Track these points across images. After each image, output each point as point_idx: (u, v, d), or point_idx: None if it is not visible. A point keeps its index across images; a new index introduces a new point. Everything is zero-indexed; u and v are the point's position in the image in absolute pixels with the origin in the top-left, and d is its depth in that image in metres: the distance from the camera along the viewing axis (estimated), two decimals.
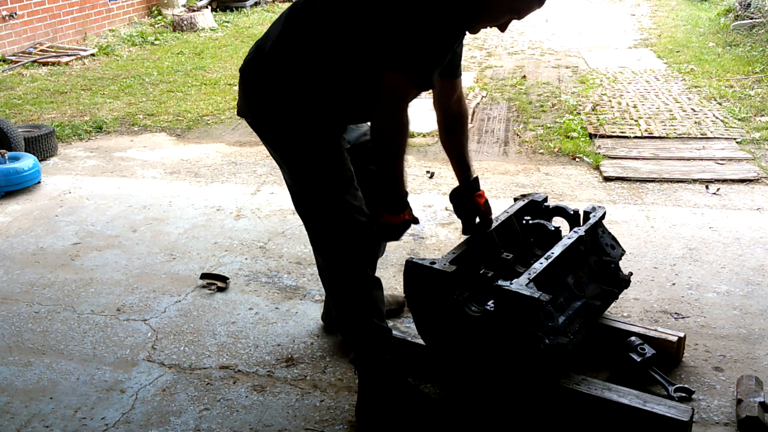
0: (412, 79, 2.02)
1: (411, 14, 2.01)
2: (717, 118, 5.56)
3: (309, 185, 2.28)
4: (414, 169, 4.73)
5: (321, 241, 2.33)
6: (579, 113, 5.82)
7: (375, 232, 2.25)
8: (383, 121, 2.09)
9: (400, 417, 2.33)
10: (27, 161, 4.55)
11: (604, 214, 2.74)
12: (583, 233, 2.58)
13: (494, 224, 2.63)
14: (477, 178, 2.56)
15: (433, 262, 2.34)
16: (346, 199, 2.24)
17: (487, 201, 2.57)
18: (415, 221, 2.26)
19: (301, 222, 2.41)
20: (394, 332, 2.67)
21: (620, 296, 2.89)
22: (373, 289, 2.35)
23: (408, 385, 2.39)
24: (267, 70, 2.21)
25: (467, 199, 2.54)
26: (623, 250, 2.78)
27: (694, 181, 4.40)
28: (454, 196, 2.57)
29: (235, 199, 4.32)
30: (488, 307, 2.28)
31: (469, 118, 2.55)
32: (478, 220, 2.57)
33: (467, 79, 7.13)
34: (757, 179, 4.37)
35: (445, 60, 2.14)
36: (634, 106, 5.97)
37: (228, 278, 3.32)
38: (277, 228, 3.90)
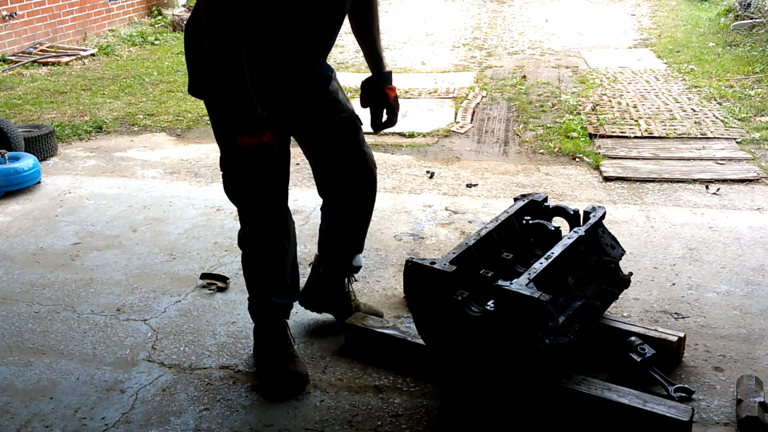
0: None
1: None
2: (717, 118, 5.56)
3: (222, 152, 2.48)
4: (414, 169, 4.73)
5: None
6: (579, 113, 5.82)
7: (235, 160, 2.30)
8: (207, 29, 2.12)
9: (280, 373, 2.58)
10: (27, 161, 4.55)
11: (604, 214, 2.74)
12: (583, 233, 2.58)
13: (494, 224, 2.63)
14: (390, 72, 2.60)
15: (433, 262, 2.34)
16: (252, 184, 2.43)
17: (396, 97, 2.60)
18: (273, 146, 2.22)
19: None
20: (394, 333, 2.68)
21: (620, 296, 2.89)
22: (277, 265, 2.59)
23: (288, 349, 2.63)
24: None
25: (378, 90, 2.57)
26: (623, 250, 2.78)
27: (694, 181, 4.40)
28: (365, 86, 2.61)
29: None
30: (488, 307, 2.28)
31: (377, 7, 2.62)
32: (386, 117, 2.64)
33: (467, 79, 7.13)
34: (757, 179, 4.37)
35: None
36: (634, 106, 5.97)
37: (228, 278, 3.32)
38: None
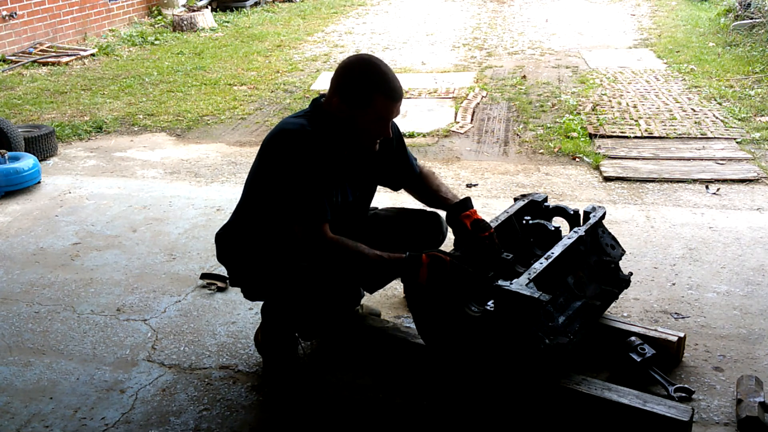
0: (302, 225, 2.29)
1: (278, 178, 2.32)
2: (717, 118, 5.56)
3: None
4: None
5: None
6: (579, 113, 5.82)
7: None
8: (316, 251, 2.30)
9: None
10: (27, 161, 4.55)
11: (604, 214, 2.74)
12: (583, 233, 2.58)
13: (494, 224, 2.63)
14: (460, 201, 2.58)
15: None
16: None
17: (476, 220, 2.50)
18: (441, 257, 2.31)
19: None
20: (394, 333, 2.68)
21: (620, 296, 2.89)
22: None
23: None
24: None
25: (454, 219, 2.56)
26: (623, 250, 2.78)
27: (694, 181, 4.40)
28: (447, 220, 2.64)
29: (235, 199, 4.30)
30: (488, 307, 2.28)
31: (439, 178, 2.81)
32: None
33: (467, 79, 7.13)
34: (757, 179, 4.37)
35: (325, 195, 2.31)
36: (634, 106, 5.97)
37: (228, 278, 3.32)
38: None
